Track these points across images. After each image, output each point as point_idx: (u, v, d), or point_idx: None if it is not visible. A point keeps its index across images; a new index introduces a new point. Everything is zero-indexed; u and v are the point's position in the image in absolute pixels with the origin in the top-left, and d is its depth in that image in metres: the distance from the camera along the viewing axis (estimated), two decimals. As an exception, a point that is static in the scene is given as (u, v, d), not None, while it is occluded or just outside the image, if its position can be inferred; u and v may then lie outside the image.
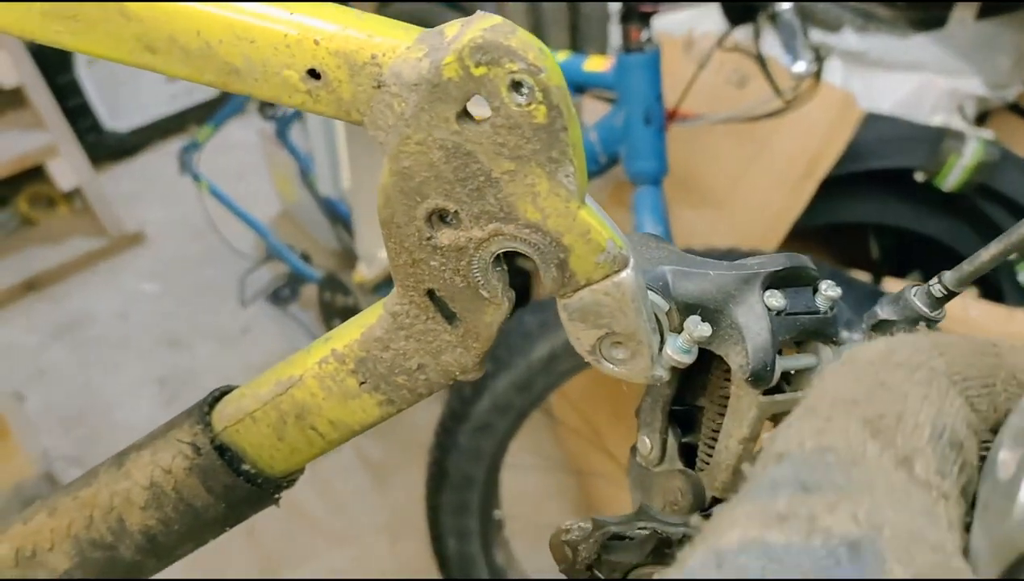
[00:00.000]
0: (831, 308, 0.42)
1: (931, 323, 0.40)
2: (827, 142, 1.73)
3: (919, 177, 1.77)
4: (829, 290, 0.42)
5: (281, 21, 0.37)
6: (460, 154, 0.36)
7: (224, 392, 0.52)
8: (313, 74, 0.37)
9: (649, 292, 0.40)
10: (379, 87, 0.36)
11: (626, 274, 0.38)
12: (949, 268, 0.37)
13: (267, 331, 2.93)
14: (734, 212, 1.86)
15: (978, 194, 1.78)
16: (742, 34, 1.49)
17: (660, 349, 0.40)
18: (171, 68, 0.39)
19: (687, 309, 0.41)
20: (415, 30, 0.38)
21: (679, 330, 0.41)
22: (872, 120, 1.78)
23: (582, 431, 2.06)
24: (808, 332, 0.41)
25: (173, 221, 3.61)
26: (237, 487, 0.49)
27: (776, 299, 0.40)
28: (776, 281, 0.41)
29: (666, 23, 2.07)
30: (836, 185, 1.78)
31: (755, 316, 0.40)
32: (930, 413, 0.27)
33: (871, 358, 0.30)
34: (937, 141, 1.75)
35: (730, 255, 1.44)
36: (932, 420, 0.27)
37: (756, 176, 1.83)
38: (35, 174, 3.35)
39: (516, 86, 0.34)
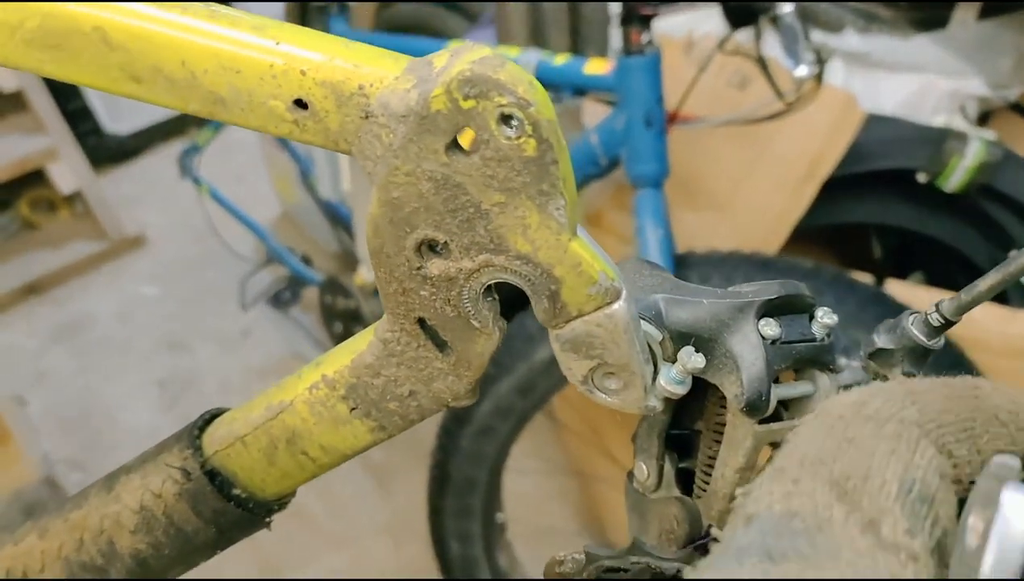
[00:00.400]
0: (828, 335, 0.41)
1: (928, 352, 0.40)
2: (829, 143, 1.72)
3: (921, 178, 1.76)
4: (825, 317, 0.41)
5: (267, 51, 0.36)
6: (449, 185, 0.36)
7: (215, 415, 0.51)
8: (300, 104, 0.37)
9: (642, 321, 0.40)
10: (367, 118, 0.36)
11: (618, 306, 0.38)
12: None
13: (268, 334, 2.93)
14: (736, 214, 1.85)
15: (980, 195, 1.77)
16: (743, 36, 1.48)
17: (653, 379, 0.40)
18: (156, 97, 0.38)
19: (681, 338, 0.40)
20: (403, 59, 0.37)
21: (673, 360, 0.40)
22: (874, 121, 1.77)
23: (584, 434, 2.05)
24: (804, 360, 0.41)
25: (173, 224, 3.61)
26: (227, 512, 0.49)
27: (771, 328, 0.40)
28: (771, 309, 0.41)
29: (666, 25, 2.06)
30: (838, 186, 1.77)
31: (750, 345, 0.39)
32: (897, 469, 0.27)
33: (841, 411, 0.29)
34: (939, 142, 1.74)
35: (732, 258, 1.44)
36: (900, 476, 0.26)
37: (758, 178, 1.82)
38: (36, 178, 3.36)
39: (505, 119, 0.33)
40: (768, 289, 0.41)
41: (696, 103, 1.62)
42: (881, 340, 0.41)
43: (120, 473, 0.51)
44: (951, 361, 1.35)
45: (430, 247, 0.38)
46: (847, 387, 0.41)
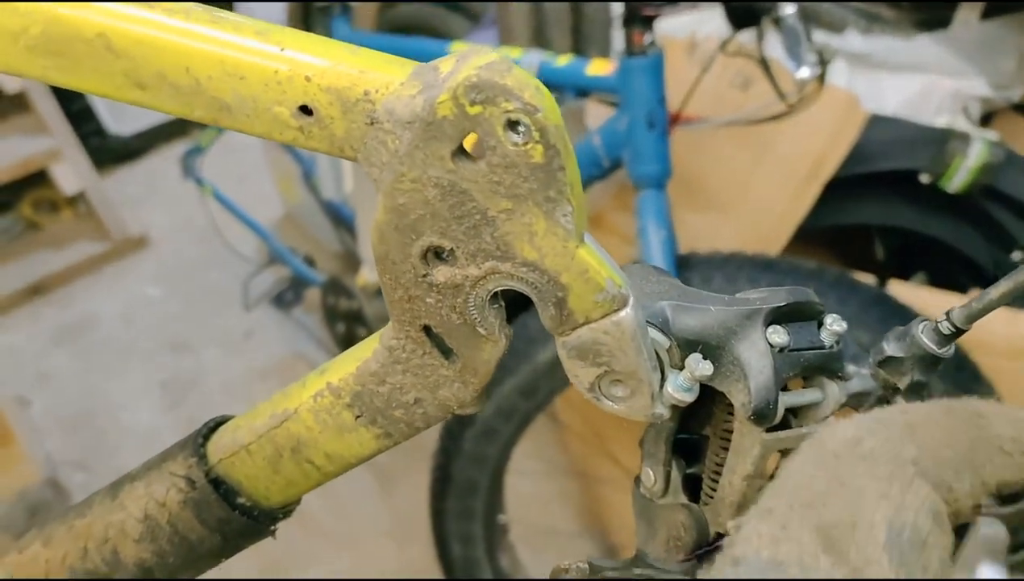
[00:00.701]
0: (837, 342, 0.41)
1: (939, 360, 0.39)
2: (831, 144, 1.72)
3: (924, 179, 1.76)
4: (834, 324, 0.41)
5: (272, 57, 0.36)
6: (456, 192, 0.35)
7: (219, 422, 0.51)
8: (305, 110, 0.36)
9: (650, 328, 0.40)
10: (372, 124, 0.36)
11: (625, 313, 0.37)
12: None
13: (270, 335, 2.92)
14: (739, 215, 1.85)
15: (983, 195, 1.77)
16: (746, 37, 1.48)
17: (661, 387, 0.40)
18: (160, 104, 0.38)
19: (688, 346, 0.40)
20: (409, 64, 0.37)
21: (680, 367, 0.40)
22: (876, 122, 1.76)
23: (586, 435, 2.05)
24: (813, 368, 0.41)
25: (177, 225, 3.61)
26: (232, 520, 0.49)
27: (779, 335, 0.40)
28: (779, 316, 0.40)
29: (669, 26, 2.06)
30: (841, 187, 1.77)
31: (757, 353, 0.39)
32: (887, 514, 0.26)
33: (836, 448, 0.29)
34: (942, 142, 1.73)
35: (734, 259, 1.44)
36: (889, 521, 0.26)
37: (760, 179, 1.82)
38: (39, 179, 3.35)
39: (512, 125, 0.33)
40: (776, 296, 0.40)
41: (699, 104, 1.62)
42: (891, 348, 0.40)
43: (124, 481, 0.51)
44: (954, 363, 1.35)
45: (436, 254, 0.38)
46: (856, 395, 0.41)
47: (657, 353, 0.40)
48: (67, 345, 3.07)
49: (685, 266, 1.45)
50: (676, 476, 0.46)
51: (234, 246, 2.83)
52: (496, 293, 0.39)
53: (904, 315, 1.33)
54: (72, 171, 3.29)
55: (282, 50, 0.36)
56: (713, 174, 1.88)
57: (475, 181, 0.35)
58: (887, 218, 1.94)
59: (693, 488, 0.46)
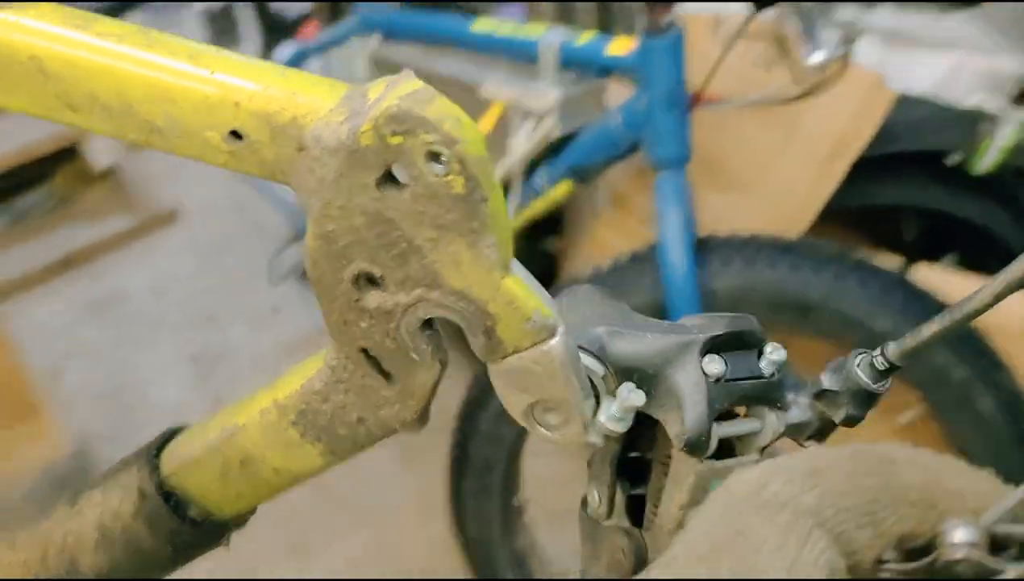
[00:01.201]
0: (776, 372, 0.40)
1: (874, 396, 0.38)
2: (857, 124, 1.69)
3: (953, 159, 1.72)
4: (774, 354, 0.40)
5: (202, 80, 0.36)
6: (382, 220, 0.35)
7: (175, 432, 0.51)
8: (235, 135, 0.36)
9: (584, 355, 0.39)
10: (301, 150, 0.35)
11: (554, 343, 0.37)
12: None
13: (297, 310, 2.95)
14: (762, 195, 1.83)
15: (1014, 176, 1.73)
16: (769, 15, 1.45)
17: (595, 415, 0.39)
18: (94, 125, 0.38)
19: (624, 373, 0.39)
20: (341, 88, 0.37)
21: (615, 395, 0.39)
22: (905, 101, 1.73)
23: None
24: (750, 398, 0.40)
25: (206, 200, 3.64)
26: (182, 532, 0.49)
27: (716, 365, 0.39)
28: (720, 344, 0.40)
29: (693, 5, 2.03)
30: (868, 167, 1.74)
31: (692, 383, 0.38)
32: (781, 567, 0.26)
33: (741, 494, 0.29)
34: (971, 122, 1.70)
35: (753, 242, 1.42)
36: (785, 574, 0.25)
37: (784, 159, 1.79)
38: (70, 154, 3.39)
39: (433, 156, 0.33)
40: (715, 324, 0.40)
41: (721, 83, 1.59)
42: (827, 380, 0.39)
43: (85, 488, 0.51)
44: (975, 350, 1.32)
45: (368, 279, 0.38)
46: (795, 426, 0.40)
47: (592, 380, 0.39)
48: (97, 318, 3.11)
49: (703, 249, 1.44)
50: (620, 498, 0.45)
51: (262, 221, 2.84)
52: (430, 320, 0.39)
53: (925, 301, 1.31)
54: (103, 146, 3.33)
55: (212, 73, 0.36)
56: (735, 154, 1.86)
57: (400, 210, 0.35)
58: (915, 199, 1.91)
59: (639, 510, 0.46)
